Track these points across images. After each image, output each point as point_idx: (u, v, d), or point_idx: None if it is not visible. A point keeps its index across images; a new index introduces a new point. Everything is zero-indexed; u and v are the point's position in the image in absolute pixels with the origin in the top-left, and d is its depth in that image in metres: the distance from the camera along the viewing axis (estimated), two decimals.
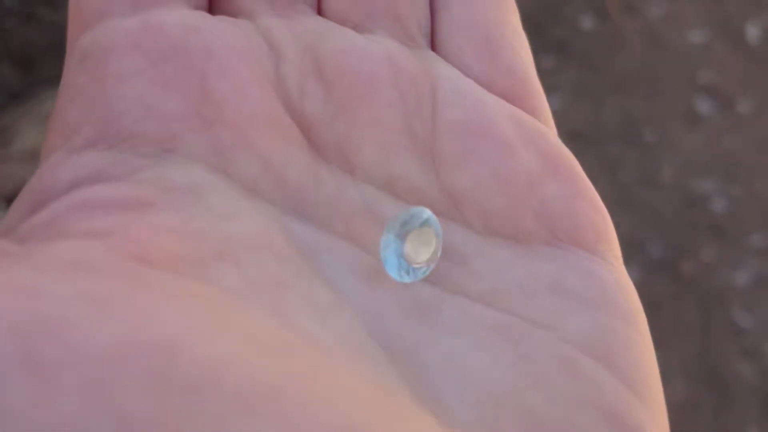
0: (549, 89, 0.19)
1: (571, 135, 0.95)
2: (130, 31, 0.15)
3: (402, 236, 0.15)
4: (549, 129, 0.17)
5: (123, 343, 0.10)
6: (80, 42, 0.15)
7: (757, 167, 0.99)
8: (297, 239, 0.14)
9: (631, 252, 0.89)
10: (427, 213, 0.15)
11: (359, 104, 0.16)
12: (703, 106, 1.03)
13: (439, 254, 0.15)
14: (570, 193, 0.16)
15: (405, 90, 0.16)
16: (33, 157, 0.80)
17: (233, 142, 0.15)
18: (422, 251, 0.15)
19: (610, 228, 0.17)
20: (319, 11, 0.17)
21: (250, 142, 0.15)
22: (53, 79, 0.88)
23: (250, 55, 0.15)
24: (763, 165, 0.99)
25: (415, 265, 0.15)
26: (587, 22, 1.07)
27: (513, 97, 0.17)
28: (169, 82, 0.14)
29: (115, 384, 0.09)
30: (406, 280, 0.15)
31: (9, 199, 0.78)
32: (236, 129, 0.15)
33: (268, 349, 0.11)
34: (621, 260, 0.17)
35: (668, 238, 0.92)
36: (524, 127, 0.17)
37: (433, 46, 0.18)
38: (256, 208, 0.14)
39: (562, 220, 0.16)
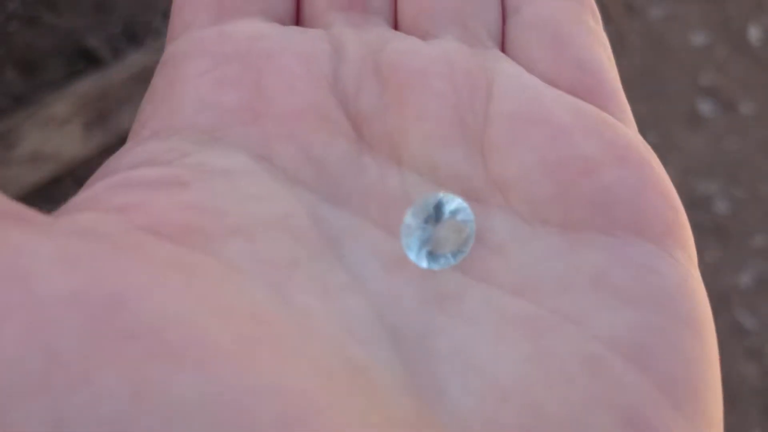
0: None
1: None
2: (205, 40, 0.17)
3: (428, 222, 0.15)
4: (622, 123, 0.17)
5: (75, 291, 0.11)
6: (167, 50, 0.17)
7: (760, 168, 0.99)
8: (326, 223, 0.15)
9: None
10: (458, 200, 0.15)
11: (410, 97, 0.16)
12: (705, 107, 1.03)
13: (470, 242, 0.15)
14: (636, 182, 0.16)
15: (458, 83, 0.17)
16: (36, 161, 0.81)
17: (278, 132, 0.16)
18: (450, 239, 0.15)
19: (683, 225, 0.16)
20: (396, 23, 0.18)
21: (294, 133, 0.16)
22: (56, 82, 0.88)
23: (309, 57, 0.17)
24: (766, 166, 0.99)
25: (441, 253, 0.15)
26: None
27: (582, 90, 0.17)
28: (227, 81, 0.16)
29: (54, 325, 0.10)
30: (434, 267, 0.15)
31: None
32: (283, 121, 0.16)
33: (226, 314, 0.12)
34: (694, 261, 0.16)
35: None
36: (585, 115, 0.16)
37: (504, 47, 0.18)
38: (289, 192, 0.15)
39: (623, 208, 0.15)
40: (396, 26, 0.19)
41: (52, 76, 0.90)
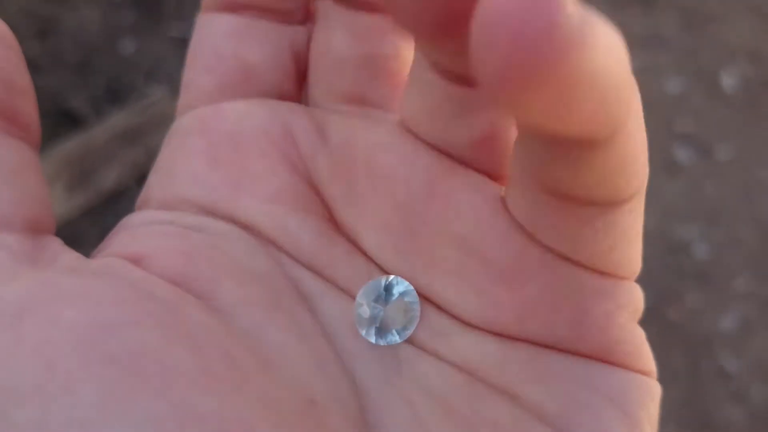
0: None
1: None
2: (203, 118, 0.18)
3: (378, 301, 0.17)
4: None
5: (77, 319, 0.14)
6: (173, 126, 0.19)
7: (738, 212, 1.00)
8: (301, 283, 0.17)
9: None
10: (405, 283, 0.17)
11: (371, 197, 0.17)
12: (682, 154, 1.04)
13: (415, 322, 0.16)
14: None
15: (418, 193, 0.17)
16: None
17: (259, 210, 0.18)
18: (397, 319, 0.16)
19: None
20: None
21: (272, 212, 0.18)
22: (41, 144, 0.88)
23: (289, 140, 0.18)
24: (743, 210, 1.00)
25: (388, 331, 0.16)
26: None
27: None
28: (219, 161, 0.18)
29: (57, 345, 0.13)
30: (381, 342, 0.16)
31: None
32: (262, 201, 0.18)
33: (198, 348, 0.14)
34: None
35: (653, 286, 0.92)
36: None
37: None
38: (269, 255, 0.17)
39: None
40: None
41: None
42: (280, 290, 0.16)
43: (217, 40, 0.19)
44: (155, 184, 0.18)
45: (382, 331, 0.16)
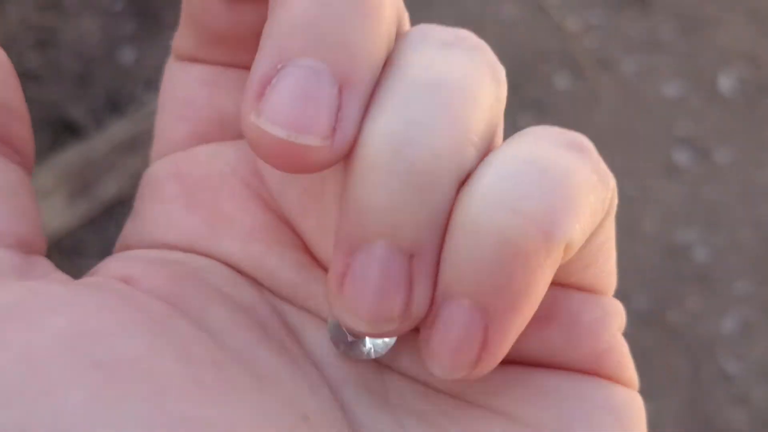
0: None
1: None
2: (176, 162, 0.18)
3: None
4: None
5: (64, 325, 0.14)
6: (146, 172, 0.19)
7: (737, 215, 1.00)
8: (286, 317, 0.17)
9: None
10: None
11: None
12: (681, 157, 1.04)
13: (391, 344, 0.17)
14: None
15: None
16: None
17: (236, 250, 0.18)
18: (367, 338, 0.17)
19: None
20: None
21: (250, 250, 0.18)
22: (40, 154, 0.89)
23: (258, 177, 0.18)
24: (743, 212, 1.00)
25: (359, 347, 0.17)
26: (563, 80, 1.08)
27: None
28: (193, 204, 0.18)
29: (41, 349, 0.13)
30: (351, 356, 0.17)
31: None
32: (240, 240, 0.18)
33: (187, 359, 0.14)
34: None
35: (653, 289, 0.92)
36: None
37: None
38: (255, 289, 0.17)
39: None
40: None
41: (36, 149, 0.90)
42: (267, 319, 0.17)
43: (190, 88, 0.19)
44: (133, 232, 0.18)
45: (352, 346, 0.17)
